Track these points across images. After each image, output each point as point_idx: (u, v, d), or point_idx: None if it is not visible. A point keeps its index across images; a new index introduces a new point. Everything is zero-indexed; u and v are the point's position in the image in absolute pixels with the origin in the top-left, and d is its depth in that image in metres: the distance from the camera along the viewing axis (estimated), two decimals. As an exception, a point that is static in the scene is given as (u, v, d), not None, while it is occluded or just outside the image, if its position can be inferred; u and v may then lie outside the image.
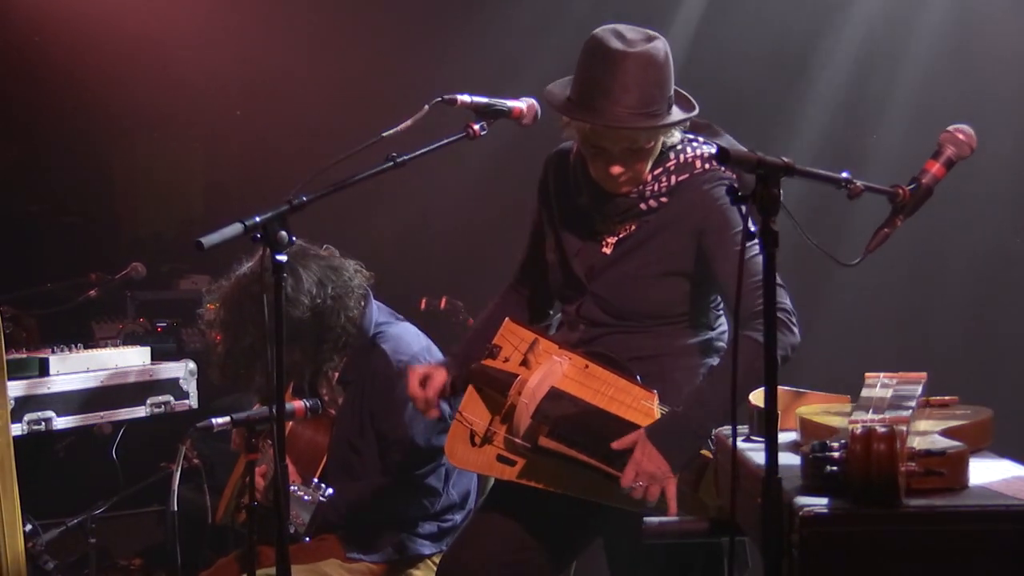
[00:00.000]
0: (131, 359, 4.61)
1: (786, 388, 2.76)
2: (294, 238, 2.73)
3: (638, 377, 3.21)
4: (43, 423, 4.19)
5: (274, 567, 2.84)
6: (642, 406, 3.15)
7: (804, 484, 2.19)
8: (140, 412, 4.56)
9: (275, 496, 2.78)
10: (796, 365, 3.09)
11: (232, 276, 3.86)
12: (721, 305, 3.39)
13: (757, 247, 3.03)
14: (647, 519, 2.76)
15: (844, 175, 2.57)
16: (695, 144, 3.29)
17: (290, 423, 3.87)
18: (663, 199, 3.25)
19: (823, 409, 2.66)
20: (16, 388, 4.09)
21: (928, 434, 2.34)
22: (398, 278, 5.93)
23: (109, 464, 5.06)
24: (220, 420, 3.48)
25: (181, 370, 4.72)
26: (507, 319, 3.40)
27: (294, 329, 3.68)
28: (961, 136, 2.91)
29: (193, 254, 2.65)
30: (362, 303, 3.93)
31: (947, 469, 2.13)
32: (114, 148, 7.48)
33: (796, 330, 3.08)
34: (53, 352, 4.43)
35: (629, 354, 3.26)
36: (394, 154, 2.92)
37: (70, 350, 4.49)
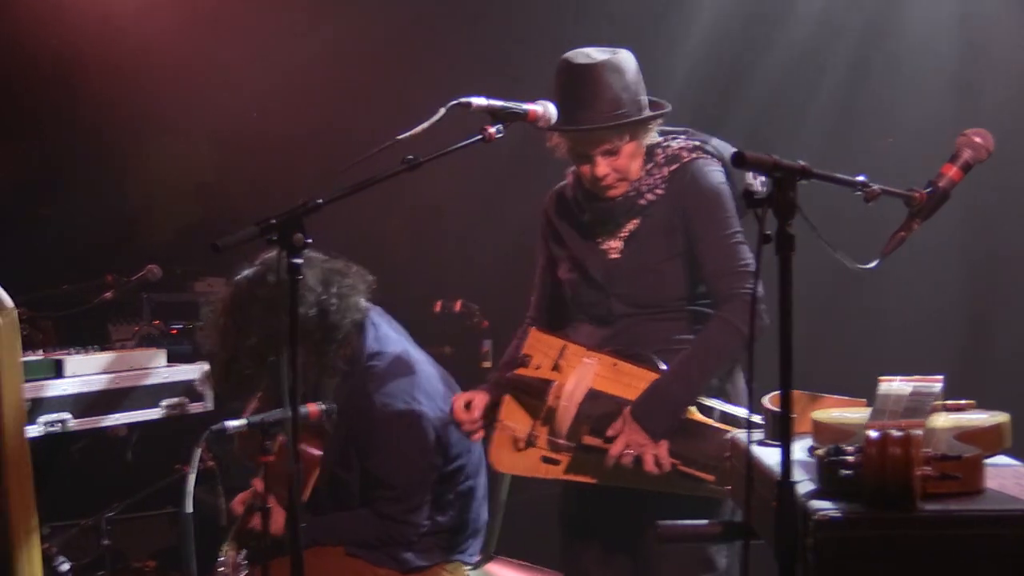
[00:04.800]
0: (146, 361, 4.62)
1: (801, 391, 2.75)
2: (310, 240, 2.72)
3: (665, 367, 3.41)
4: (58, 424, 4.19)
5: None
6: None
7: (819, 488, 2.18)
8: (155, 414, 4.56)
9: (290, 495, 2.78)
10: (811, 368, 3.09)
11: (232, 282, 3.84)
12: None
13: (740, 234, 3.35)
14: (660, 522, 2.77)
15: (861, 178, 2.57)
16: (679, 139, 3.55)
17: (281, 436, 3.83)
18: (659, 191, 3.49)
19: (838, 412, 2.66)
20: (32, 390, 4.10)
21: (944, 438, 2.34)
22: (413, 281, 5.95)
23: (124, 466, 5.07)
24: (235, 422, 3.48)
25: (196, 372, 4.72)
26: (532, 329, 3.61)
27: (300, 327, 3.68)
28: (978, 139, 2.91)
29: (209, 256, 2.65)
30: (361, 322, 3.89)
31: (963, 473, 2.12)
32: (129, 150, 7.48)
33: (765, 316, 3.24)
34: (69, 354, 4.44)
35: (658, 346, 3.45)
36: (410, 157, 2.92)
37: (86, 352, 4.49)
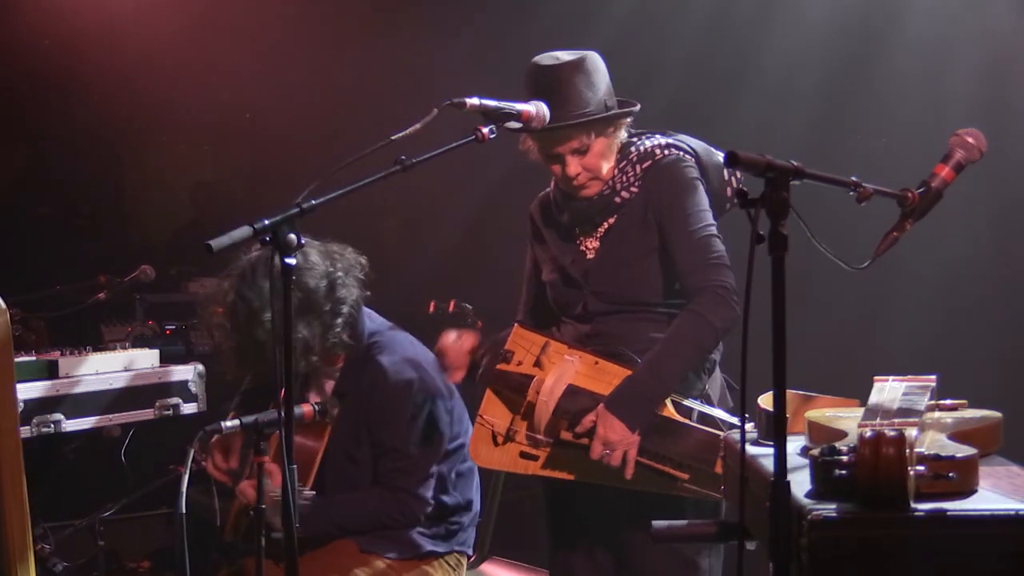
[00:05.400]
0: (140, 361, 4.62)
1: (795, 391, 2.76)
2: (303, 242, 2.72)
3: None
4: (52, 425, 4.20)
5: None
6: None
7: (813, 488, 2.18)
8: (149, 415, 4.57)
9: (283, 500, 2.78)
10: (805, 368, 3.09)
11: (232, 272, 3.82)
12: None
13: (713, 227, 3.40)
14: (656, 523, 2.77)
15: (853, 179, 2.57)
16: (653, 138, 3.59)
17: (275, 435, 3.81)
18: (634, 188, 3.53)
19: (832, 412, 2.66)
20: (25, 390, 4.09)
21: (937, 438, 2.34)
22: (406, 281, 5.94)
23: (118, 466, 5.07)
24: (229, 423, 3.48)
25: (190, 372, 4.73)
26: (516, 325, 3.62)
27: (310, 299, 3.74)
28: (971, 139, 2.91)
29: (202, 257, 2.65)
30: (360, 301, 3.92)
31: (956, 473, 2.12)
32: (123, 150, 7.49)
33: (736, 308, 3.35)
34: (62, 354, 4.44)
35: (637, 345, 3.47)
36: (403, 157, 2.92)
37: (79, 352, 4.50)
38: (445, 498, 3.98)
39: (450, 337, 3.67)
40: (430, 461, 3.90)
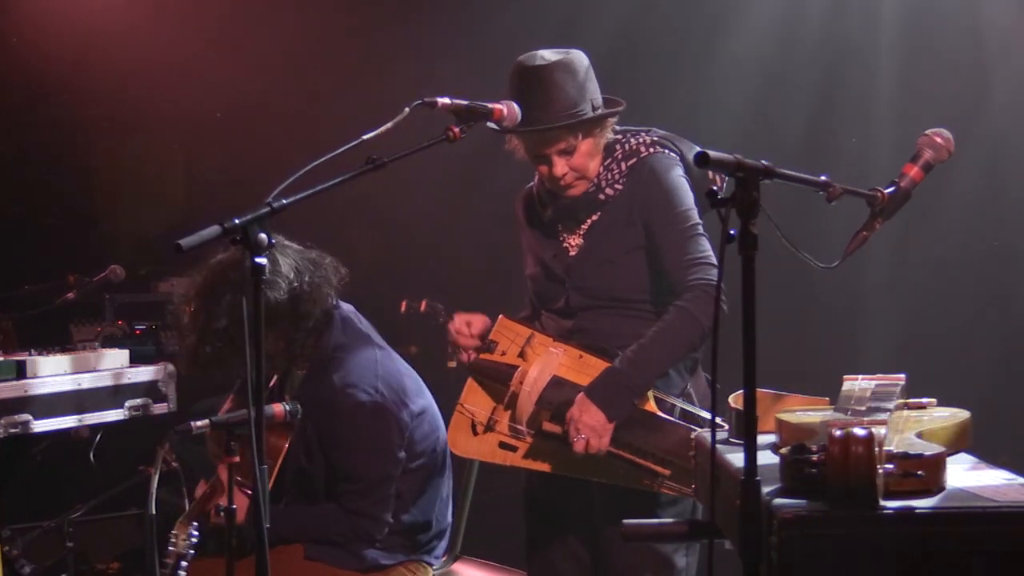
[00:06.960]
0: (109, 362, 4.59)
1: (766, 390, 2.77)
2: (273, 240, 2.71)
3: None
4: (20, 426, 4.17)
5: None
6: None
7: (783, 486, 2.19)
8: (118, 415, 4.55)
9: (254, 498, 2.76)
10: (776, 367, 3.10)
11: (207, 265, 3.81)
12: None
13: (699, 226, 3.40)
14: (626, 521, 2.78)
15: (823, 178, 2.58)
16: (639, 136, 3.59)
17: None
18: (618, 186, 3.54)
19: (802, 411, 2.67)
20: (-7, 391, 4.07)
21: (906, 436, 2.35)
22: (378, 281, 5.93)
23: (87, 467, 5.03)
24: (199, 423, 3.46)
25: (159, 373, 4.70)
26: (501, 316, 3.63)
27: (271, 312, 3.66)
28: (939, 140, 2.93)
29: (172, 256, 2.64)
30: (330, 312, 3.88)
31: (924, 471, 2.14)
32: (93, 150, 7.42)
33: (724, 306, 3.23)
34: (31, 355, 4.41)
35: (620, 340, 3.47)
36: (374, 156, 2.91)
37: (48, 353, 4.47)
38: (404, 516, 3.89)
39: (462, 321, 3.64)
40: (386, 483, 3.81)
